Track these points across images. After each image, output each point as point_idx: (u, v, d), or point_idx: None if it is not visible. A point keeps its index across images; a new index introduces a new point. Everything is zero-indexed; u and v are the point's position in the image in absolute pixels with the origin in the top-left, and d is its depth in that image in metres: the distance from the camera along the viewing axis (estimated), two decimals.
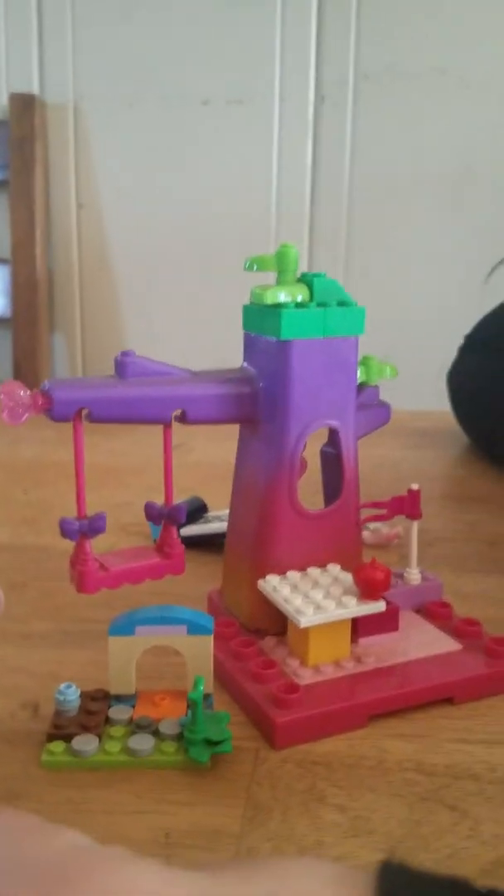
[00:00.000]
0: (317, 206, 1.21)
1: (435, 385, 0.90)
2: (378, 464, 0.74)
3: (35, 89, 1.24)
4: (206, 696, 0.34)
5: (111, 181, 1.26)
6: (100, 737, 0.33)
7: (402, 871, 0.19)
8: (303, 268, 1.24)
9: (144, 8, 1.19)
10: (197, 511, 0.61)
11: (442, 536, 0.60)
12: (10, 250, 1.23)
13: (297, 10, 1.16)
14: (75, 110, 1.25)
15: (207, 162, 1.23)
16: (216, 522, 0.57)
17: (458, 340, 0.87)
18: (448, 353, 0.87)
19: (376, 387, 0.44)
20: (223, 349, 1.25)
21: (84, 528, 0.38)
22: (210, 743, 0.32)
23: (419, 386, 1.03)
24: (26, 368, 1.24)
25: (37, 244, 1.23)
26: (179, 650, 0.35)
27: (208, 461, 0.74)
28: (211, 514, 0.59)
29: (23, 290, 1.23)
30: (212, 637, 0.35)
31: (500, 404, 0.76)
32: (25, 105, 1.22)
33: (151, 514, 0.40)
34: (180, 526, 0.40)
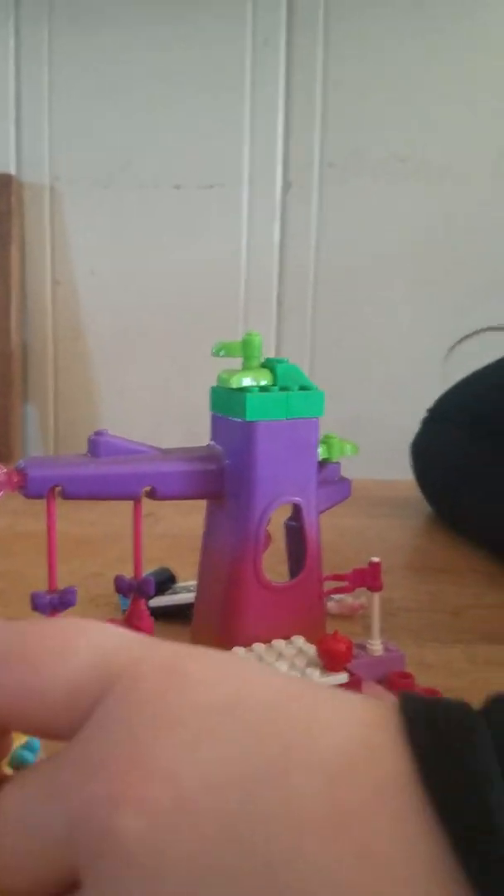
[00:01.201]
0: (284, 286, 1.26)
1: (400, 455, 0.92)
2: (342, 533, 0.75)
3: (12, 169, 1.28)
4: None
5: (86, 259, 1.30)
6: None
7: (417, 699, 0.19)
8: (271, 344, 1.28)
9: (120, 94, 1.25)
10: (165, 582, 0.61)
11: (405, 606, 0.60)
12: None
13: (265, 99, 1.23)
14: (51, 190, 1.29)
15: (179, 243, 1.27)
16: (184, 593, 0.58)
17: (422, 413, 0.89)
18: (412, 424, 0.89)
19: (337, 463, 0.45)
20: (193, 422, 1.27)
21: (55, 603, 0.39)
22: None
23: (385, 455, 1.05)
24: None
25: (12, 318, 1.25)
26: None
27: (176, 532, 0.75)
28: (179, 584, 0.60)
29: None
30: None
31: (461, 477, 0.78)
32: (3, 185, 1.26)
33: (121, 586, 0.41)
34: (149, 598, 0.40)
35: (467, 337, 0.77)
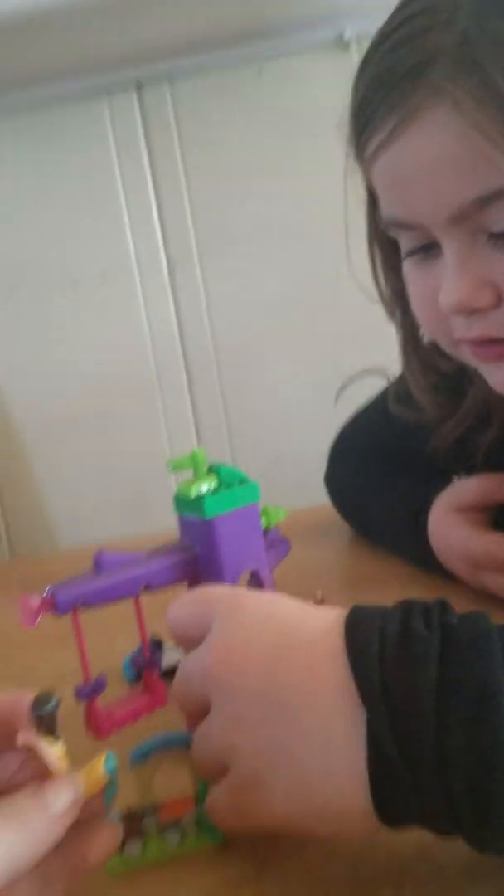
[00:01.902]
0: (187, 349, 1.38)
1: (318, 483, 1.04)
2: (289, 567, 0.87)
3: None
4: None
5: (3, 363, 1.39)
6: (143, 841, 0.44)
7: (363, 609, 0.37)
8: (186, 407, 1.39)
9: (8, 215, 1.36)
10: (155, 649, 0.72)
11: None
12: None
13: (137, 193, 1.35)
14: None
15: (86, 330, 1.38)
16: (172, 653, 0.69)
17: (327, 442, 1.01)
18: (322, 453, 1.01)
19: (276, 528, 0.58)
20: (137, 486, 1.38)
21: (92, 690, 0.50)
22: None
23: (304, 486, 1.19)
24: None
25: None
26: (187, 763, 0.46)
27: (154, 597, 0.86)
28: (166, 645, 0.70)
29: None
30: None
31: (367, 497, 0.91)
32: None
33: (137, 663, 0.53)
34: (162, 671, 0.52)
35: (350, 381, 0.89)
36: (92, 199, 1.34)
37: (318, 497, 1.04)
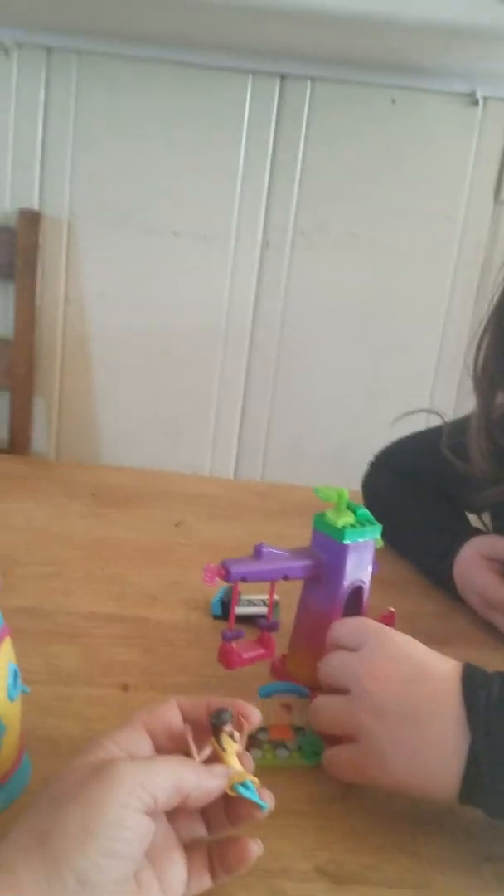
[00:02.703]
0: (256, 326, 1.52)
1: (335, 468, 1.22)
2: None
3: (36, 205, 1.47)
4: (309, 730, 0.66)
5: (94, 285, 1.51)
6: (262, 751, 0.63)
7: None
8: (240, 371, 1.54)
9: (134, 153, 1.45)
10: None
11: (375, 616, 0.92)
12: (13, 334, 1.46)
13: (254, 173, 1.46)
14: (69, 226, 1.48)
15: (174, 280, 1.51)
16: (252, 606, 0.86)
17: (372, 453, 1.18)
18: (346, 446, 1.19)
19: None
20: (172, 428, 1.54)
21: (233, 636, 0.68)
22: (316, 753, 0.63)
23: (323, 466, 1.37)
24: (17, 427, 1.48)
25: (35, 330, 1.47)
26: (290, 703, 0.66)
27: (203, 540, 1.04)
28: (243, 597, 0.88)
29: (20, 366, 1.47)
30: (308, 699, 0.66)
31: (394, 511, 1.08)
32: (32, 221, 1.45)
33: (263, 627, 0.71)
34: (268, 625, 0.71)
35: (410, 413, 1.07)
36: (213, 165, 1.45)
37: (327, 478, 1.20)
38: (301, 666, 0.72)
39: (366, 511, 0.70)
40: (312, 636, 0.71)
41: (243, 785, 0.45)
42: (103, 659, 0.75)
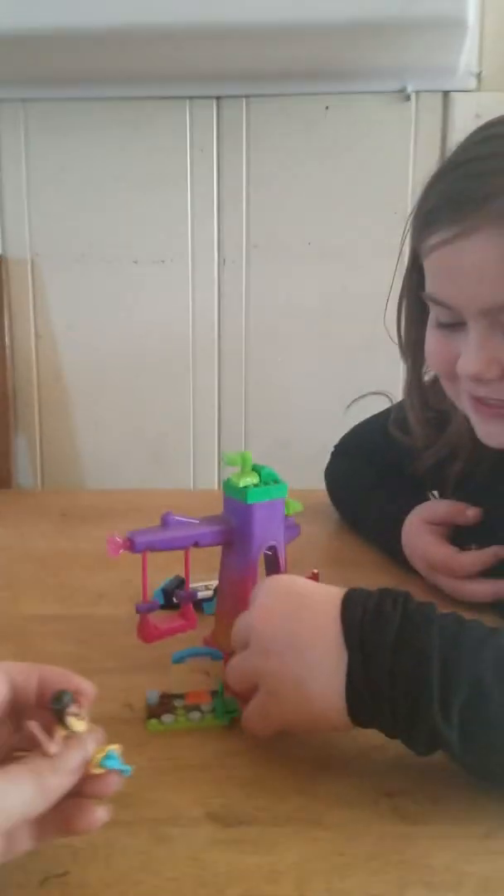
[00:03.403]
0: (223, 341, 1.53)
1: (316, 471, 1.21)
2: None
3: (1, 250, 1.52)
4: (221, 692, 0.64)
5: (62, 319, 1.54)
6: (174, 715, 0.62)
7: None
8: (214, 390, 1.55)
9: (87, 190, 1.50)
10: (178, 585, 0.90)
11: None
12: None
13: (202, 193, 1.48)
14: (32, 265, 1.53)
15: (139, 305, 1.54)
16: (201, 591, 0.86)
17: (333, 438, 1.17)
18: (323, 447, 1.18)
19: (292, 516, 0.75)
20: (156, 447, 1.55)
21: (148, 608, 0.68)
22: (229, 713, 0.62)
23: (307, 470, 1.36)
24: None
25: (7, 366, 1.51)
26: (207, 669, 0.65)
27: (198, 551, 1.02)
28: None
29: None
30: (222, 662, 0.65)
31: (357, 496, 1.07)
32: None
33: (179, 598, 0.71)
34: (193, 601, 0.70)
35: (362, 397, 1.07)
36: (162, 192, 1.49)
37: (312, 482, 1.20)
38: (226, 633, 0.70)
39: (271, 471, 0.70)
40: (234, 602, 0.70)
41: (107, 757, 0.44)
42: (35, 653, 0.74)
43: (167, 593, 0.84)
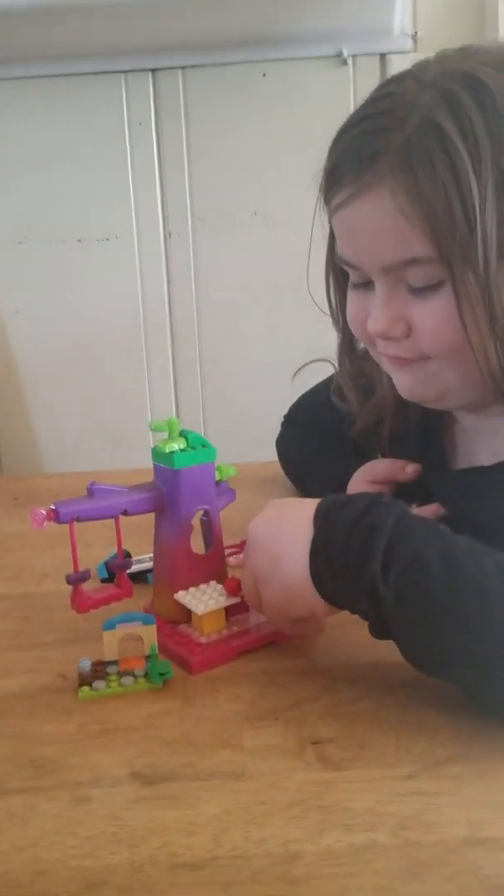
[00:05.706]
0: (174, 315, 1.53)
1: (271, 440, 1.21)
2: (234, 512, 1.05)
3: None
4: (154, 655, 0.64)
5: (7, 303, 1.53)
6: (106, 681, 0.62)
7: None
8: (167, 364, 1.55)
9: (27, 170, 1.48)
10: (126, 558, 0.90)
11: None
12: None
13: (144, 168, 1.48)
14: None
15: (87, 284, 1.52)
16: (137, 564, 0.87)
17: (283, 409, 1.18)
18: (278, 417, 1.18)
19: (226, 481, 0.75)
20: (113, 427, 1.54)
21: (78, 579, 0.67)
22: (161, 674, 0.62)
23: (262, 440, 1.36)
24: None
25: None
26: (140, 634, 0.65)
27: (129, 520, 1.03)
28: (134, 558, 0.88)
29: None
30: (154, 626, 0.65)
31: (307, 465, 1.08)
32: None
33: (112, 566, 0.70)
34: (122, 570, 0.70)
35: (308, 364, 1.06)
36: (102, 168, 1.47)
37: (272, 454, 1.21)
38: (165, 600, 0.71)
39: (198, 435, 0.70)
40: (170, 569, 0.70)
41: None
42: None
43: (110, 567, 0.84)
